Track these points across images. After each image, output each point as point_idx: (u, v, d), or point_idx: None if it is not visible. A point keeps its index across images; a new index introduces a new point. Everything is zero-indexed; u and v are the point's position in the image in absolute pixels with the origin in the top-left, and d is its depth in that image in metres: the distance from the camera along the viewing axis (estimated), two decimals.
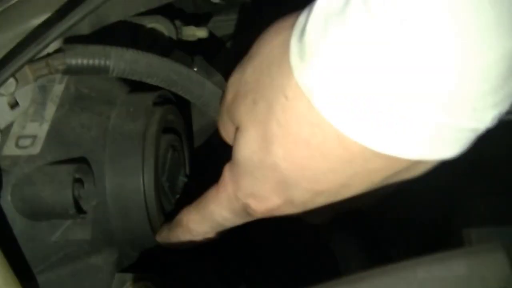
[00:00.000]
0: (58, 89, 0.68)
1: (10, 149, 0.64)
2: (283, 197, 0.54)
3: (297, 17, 0.51)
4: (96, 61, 0.61)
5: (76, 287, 0.65)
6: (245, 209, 0.57)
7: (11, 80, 0.59)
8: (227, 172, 0.58)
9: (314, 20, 0.46)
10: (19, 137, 0.65)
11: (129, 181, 0.66)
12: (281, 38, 0.52)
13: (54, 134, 0.65)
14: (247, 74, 0.55)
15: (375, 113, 0.44)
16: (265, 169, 0.53)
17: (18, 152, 0.64)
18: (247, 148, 0.54)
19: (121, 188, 0.66)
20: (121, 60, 0.62)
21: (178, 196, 0.75)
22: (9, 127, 0.65)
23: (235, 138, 0.56)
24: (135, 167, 0.66)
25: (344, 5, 0.44)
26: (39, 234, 0.63)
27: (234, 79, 0.57)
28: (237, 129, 0.56)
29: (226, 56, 0.94)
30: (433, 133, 0.44)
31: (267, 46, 0.54)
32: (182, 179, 0.76)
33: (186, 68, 0.67)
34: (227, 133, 0.60)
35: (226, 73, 0.60)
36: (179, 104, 0.78)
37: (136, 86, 0.74)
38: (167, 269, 0.72)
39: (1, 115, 0.61)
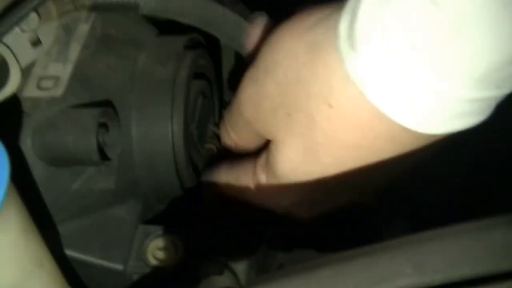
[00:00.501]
0: (83, 28, 0.64)
1: (31, 91, 0.60)
2: (331, 201, 0.55)
3: (312, 19, 0.49)
4: None
5: (97, 238, 0.62)
6: (287, 212, 0.57)
7: (34, 15, 0.55)
8: (264, 184, 0.57)
9: (366, 7, 0.44)
10: (40, 78, 0.61)
11: (157, 128, 0.62)
12: (304, 45, 0.49)
13: (78, 76, 0.61)
14: (268, 89, 0.52)
15: (428, 100, 0.44)
16: (313, 179, 0.52)
17: (39, 94, 0.60)
18: (288, 161, 0.53)
19: (148, 135, 0.62)
20: None
21: (207, 146, 0.71)
22: (30, 67, 0.61)
23: (270, 152, 0.54)
24: (164, 113, 0.62)
25: None
26: (60, 182, 0.60)
27: (248, 93, 0.55)
28: (269, 142, 0.54)
29: None
30: (466, 108, 0.44)
31: (287, 56, 0.51)
32: (211, 128, 0.72)
33: (221, 6, 0.62)
34: (242, 141, 0.59)
35: None
36: (209, 49, 0.74)
37: (164, 30, 0.70)
38: (192, 223, 0.68)
39: (22, 53, 0.57)
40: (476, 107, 0.45)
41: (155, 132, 0.62)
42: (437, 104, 0.44)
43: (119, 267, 0.61)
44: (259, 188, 0.58)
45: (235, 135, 0.61)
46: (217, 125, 0.74)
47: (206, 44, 0.72)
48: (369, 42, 0.44)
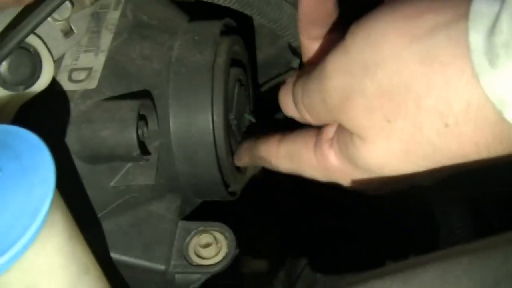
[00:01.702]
0: (113, 16, 0.61)
1: (63, 84, 0.57)
2: (404, 186, 0.52)
3: (437, 12, 0.44)
4: None
5: (137, 237, 0.58)
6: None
7: (67, 3, 0.51)
8: (335, 165, 0.53)
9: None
10: (72, 70, 0.57)
11: (196, 119, 0.59)
12: (417, 53, 0.45)
13: (112, 66, 0.58)
14: (366, 87, 0.48)
15: None
16: (401, 174, 0.50)
17: (72, 86, 0.57)
18: (377, 158, 0.50)
19: (187, 127, 0.59)
20: None
21: (244, 136, 0.67)
22: (60, 58, 0.57)
23: (352, 142, 0.51)
24: (204, 103, 0.58)
25: None
26: (97, 179, 0.57)
27: (337, 83, 0.50)
28: (351, 134, 0.51)
29: None
30: None
31: (394, 59, 0.46)
32: (248, 117, 0.69)
33: None
34: (316, 121, 0.54)
35: None
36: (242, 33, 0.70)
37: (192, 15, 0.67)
38: (231, 218, 0.65)
39: (54, 44, 0.54)
40: None
41: (195, 123, 0.59)
42: None
43: (161, 267, 0.58)
44: (326, 166, 0.54)
45: (310, 117, 0.55)
46: (253, 113, 0.71)
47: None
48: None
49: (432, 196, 0.66)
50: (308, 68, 0.54)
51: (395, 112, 0.47)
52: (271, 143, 0.57)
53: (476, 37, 0.41)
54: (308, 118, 0.54)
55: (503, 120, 0.42)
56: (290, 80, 0.56)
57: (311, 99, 0.53)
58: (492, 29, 0.40)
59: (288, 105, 0.56)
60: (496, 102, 0.41)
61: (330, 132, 0.54)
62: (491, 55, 0.41)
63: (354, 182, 0.53)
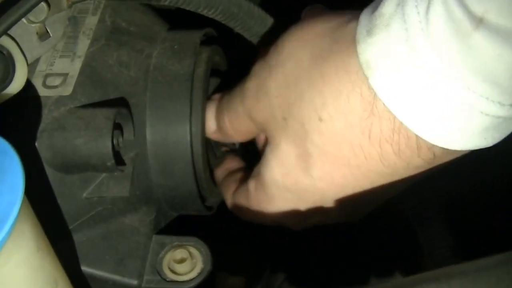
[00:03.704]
0: (91, 21, 0.59)
1: (36, 89, 0.55)
2: (319, 215, 0.54)
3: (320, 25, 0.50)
4: None
5: (109, 251, 0.56)
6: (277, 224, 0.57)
7: (43, 4, 0.49)
8: (253, 193, 0.56)
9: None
10: (47, 75, 0.56)
11: (174, 130, 0.57)
12: (309, 51, 0.49)
13: (88, 72, 0.56)
14: (269, 87, 0.52)
15: (440, 107, 0.42)
16: (301, 190, 0.52)
17: (46, 92, 0.55)
18: (280, 166, 0.52)
19: (164, 137, 0.57)
20: None
21: (223, 148, 0.66)
22: (34, 63, 0.55)
23: (264, 155, 0.54)
24: (182, 113, 0.57)
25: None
26: (69, 189, 0.55)
27: (252, 85, 0.54)
28: (265, 140, 0.54)
29: None
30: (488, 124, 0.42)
31: (290, 59, 0.51)
32: None
33: (247, 0, 0.58)
34: (233, 128, 0.58)
35: None
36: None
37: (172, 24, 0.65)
38: (206, 233, 0.63)
39: (28, 47, 0.52)
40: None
41: (172, 134, 0.57)
42: (466, 118, 0.42)
43: (134, 282, 0.55)
44: (249, 198, 0.57)
45: (228, 120, 0.58)
46: None
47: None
48: (387, 27, 0.43)
49: (411, 214, 0.65)
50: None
51: (287, 110, 0.50)
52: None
53: (365, 15, 0.45)
54: (227, 123, 0.57)
55: (374, 99, 0.44)
56: (215, 96, 0.60)
57: (231, 101, 0.57)
58: (377, 5, 0.44)
59: (210, 124, 0.59)
60: (364, 66, 0.44)
61: (257, 167, 0.56)
62: (370, 26, 0.44)
63: (270, 208, 0.56)
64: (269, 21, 0.60)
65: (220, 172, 0.64)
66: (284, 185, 0.52)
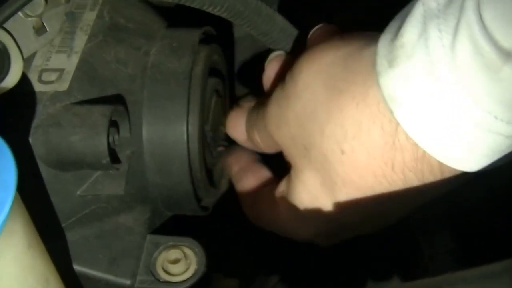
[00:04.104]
0: (89, 17, 0.58)
1: (32, 84, 0.54)
2: (349, 233, 0.56)
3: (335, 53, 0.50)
4: None
5: (102, 250, 0.56)
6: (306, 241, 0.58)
7: None
8: (284, 212, 0.57)
9: (412, 21, 0.43)
10: (43, 70, 0.55)
11: (171, 129, 0.56)
12: (323, 82, 0.49)
13: (85, 69, 0.55)
14: (288, 117, 0.53)
15: (457, 131, 0.43)
16: (325, 212, 0.52)
17: (42, 88, 0.54)
18: (307, 192, 0.53)
19: (161, 136, 0.56)
20: None
21: (220, 148, 0.65)
22: (30, 58, 0.54)
23: (290, 179, 0.55)
24: (179, 112, 0.56)
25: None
26: (63, 186, 0.54)
27: (272, 112, 0.55)
28: (289, 166, 0.55)
29: None
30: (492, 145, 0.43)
31: (306, 90, 0.51)
32: (223, 130, 0.66)
33: None
34: (265, 142, 0.59)
35: None
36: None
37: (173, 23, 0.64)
38: (201, 234, 0.63)
39: (24, 41, 0.51)
40: None
41: (169, 133, 0.56)
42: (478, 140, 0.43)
43: (127, 282, 0.55)
44: (279, 214, 0.57)
45: (258, 136, 0.59)
46: None
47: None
48: (410, 58, 0.42)
49: (413, 216, 0.65)
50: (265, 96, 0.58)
51: (308, 140, 0.50)
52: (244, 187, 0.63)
53: (383, 43, 0.45)
54: (258, 140, 0.59)
55: (396, 131, 0.44)
56: (246, 105, 0.61)
57: (258, 121, 0.58)
58: (396, 35, 0.44)
59: (237, 127, 0.61)
60: (388, 99, 0.44)
61: (284, 183, 0.57)
62: (391, 56, 0.44)
63: (299, 228, 0.56)
64: (278, 19, 0.59)
65: (233, 161, 0.65)
66: (313, 209, 0.53)
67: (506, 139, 0.42)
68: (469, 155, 0.44)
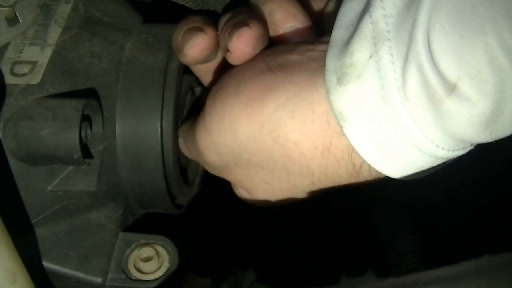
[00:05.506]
0: (64, 9, 0.58)
1: (3, 77, 0.53)
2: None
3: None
4: None
5: (73, 247, 0.55)
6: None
7: None
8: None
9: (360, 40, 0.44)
10: (15, 63, 0.54)
11: (144, 124, 0.55)
12: (267, 129, 0.49)
13: (58, 62, 0.54)
14: (236, 162, 0.53)
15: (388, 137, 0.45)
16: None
17: (13, 80, 0.53)
18: (242, 195, 0.57)
19: (134, 132, 0.55)
20: None
21: None
22: (2, 49, 0.53)
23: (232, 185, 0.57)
24: (153, 108, 0.55)
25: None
26: (33, 181, 0.53)
27: (212, 159, 0.55)
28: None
29: None
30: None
31: (248, 139, 0.51)
32: None
33: None
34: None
35: None
36: None
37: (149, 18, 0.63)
38: (172, 229, 0.62)
39: None
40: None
41: (143, 129, 0.55)
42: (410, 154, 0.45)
43: (98, 279, 0.54)
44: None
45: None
46: None
47: None
48: (360, 79, 0.44)
49: (378, 218, 0.65)
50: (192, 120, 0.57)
51: (271, 177, 0.52)
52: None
53: (330, 58, 0.46)
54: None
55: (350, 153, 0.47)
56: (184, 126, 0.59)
57: (193, 148, 0.57)
58: (343, 50, 0.45)
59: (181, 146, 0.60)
60: (338, 116, 0.45)
61: None
62: (340, 73, 0.45)
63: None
64: None
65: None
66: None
67: (441, 159, 0.45)
68: (400, 169, 0.46)
